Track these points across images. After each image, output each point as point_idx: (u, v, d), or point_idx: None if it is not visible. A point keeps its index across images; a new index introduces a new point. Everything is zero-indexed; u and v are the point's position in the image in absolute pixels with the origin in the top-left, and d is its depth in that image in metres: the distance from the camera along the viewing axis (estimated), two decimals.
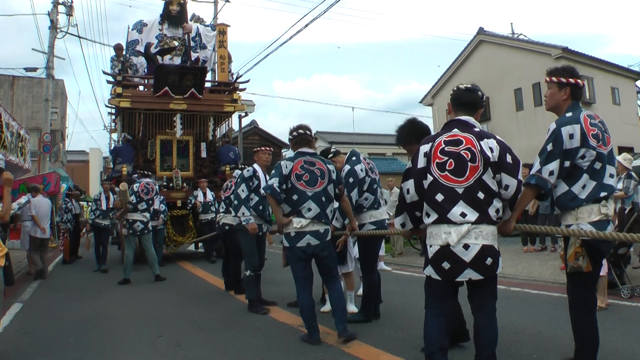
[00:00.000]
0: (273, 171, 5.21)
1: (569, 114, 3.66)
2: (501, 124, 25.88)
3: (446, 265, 3.28)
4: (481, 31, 27.39)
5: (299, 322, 5.77)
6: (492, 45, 27.12)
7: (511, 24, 60.11)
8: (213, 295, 8.38)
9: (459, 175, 3.29)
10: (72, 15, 24.50)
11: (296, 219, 5.05)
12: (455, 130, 3.45)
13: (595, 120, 3.66)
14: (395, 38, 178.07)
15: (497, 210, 3.33)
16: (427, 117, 31.24)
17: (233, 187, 7.31)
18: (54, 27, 23.60)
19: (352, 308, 6.20)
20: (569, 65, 4.07)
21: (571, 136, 3.51)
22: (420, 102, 31.53)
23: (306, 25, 19.45)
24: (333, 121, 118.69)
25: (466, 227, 3.22)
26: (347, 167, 5.90)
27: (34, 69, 25.00)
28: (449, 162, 3.33)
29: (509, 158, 3.37)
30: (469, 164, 3.29)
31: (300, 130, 5.39)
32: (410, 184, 3.51)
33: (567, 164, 3.53)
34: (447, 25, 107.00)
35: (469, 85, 3.65)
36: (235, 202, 6.82)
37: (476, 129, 3.45)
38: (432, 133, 3.73)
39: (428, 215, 3.44)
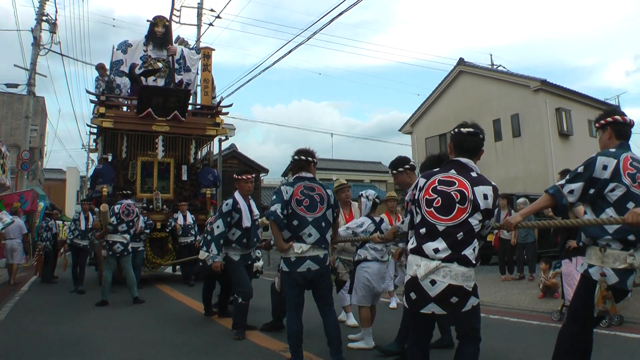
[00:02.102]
0: (274, 197, 5.18)
1: (612, 150, 3.70)
2: None
3: (413, 295, 3.38)
4: (461, 62, 27.83)
5: (281, 347, 5.80)
6: (471, 75, 27.52)
7: (490, 55, 60.58)
8: (193, 319, 8.31)
9: (444, 214, 3.38)
10: (55, 33, 24.54)
11: (297, 244, 5.03)
12: (452, 171, 3.54)
13: (638, 163, 3.64)
14: (375, 65, 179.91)
15: (474, 249, 3.39)
16: (406, 144, 31.54)
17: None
18: (37, 44, 23.60)
19: (352, 321, 6.27)
20: (611, 108, 4.10)
21: (605, 167, 3.56)
22: (400, 130, 31.80)
23: (289, 52, 19.60)
24: (312, 147, 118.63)
25: (435, 263, 3.29)
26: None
27: (15, 85, 24.87)
28: (436, 200, 3.43)
29: (497, 202, 3.51)
30: (457, 205, 3.38)
31: (299, 156, 5.38)
32: (408, 216, 3.67)
33: (592, 191, 3.58)
34: (427, 53, 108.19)
35: (471, 129, 3.67)
36: (208, 237, 6.83)
37: (473, 174, 3.53)
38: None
39: (412, 242, 3.55)
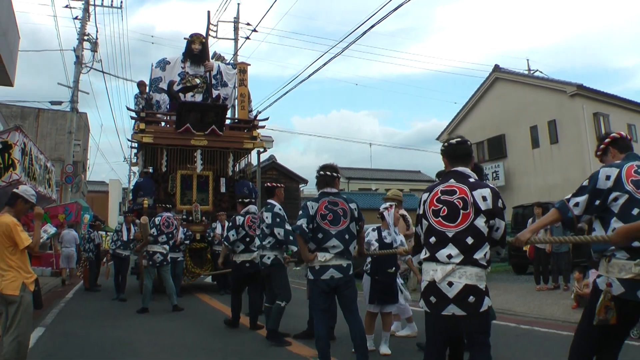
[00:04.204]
0: (300, 212, 5.51)
1: (617, 162, 3.82)
2: (517, 161, 26.03)
3: (432, 299, 3.53)
4: (497, 68, 27.72)
5: (311, 353, 6.04)
6: (507, 82, 27.37)
7: (527, 60, 59.97)
8: (231, 327, 8.45)
9: (451, 221, 3.55)
10: (96, 51, 25.29)
11: (320, 253, 5.35)
12: (452, 180, 3.71)
13: None
14: (412, 73, 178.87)
15: (486, 254, 3.53)
16: None
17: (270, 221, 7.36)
18: (79, 62, 24.32)
19: (384, 349, 6.27)
20: (604, 133, 4.21)
21: (607, 177, 3.66)
22: (437, 138, 31.75)
23: (325, 63, 19.91)
24: (351, 157, 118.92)
25: (451, 266, 3.46)
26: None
27: (59, 103, 25.65)
28: (442, 209, 3.60)
29: (499, 203, 3.62)
30: (461, 211, 3.54)
31: (323, 172, 5.69)
32: (419, 229, 3.81)
33: (597, 202, 3.66)
34: (464, 60, 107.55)
35: (459, 139, 3.90)
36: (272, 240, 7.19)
37: (471, 180, 3.70)
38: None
39: (424, 252, 3.71)
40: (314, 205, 5.48)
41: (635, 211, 3.53)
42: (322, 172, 5.70)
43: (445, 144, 3.95)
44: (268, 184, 7.74)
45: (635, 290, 3.41)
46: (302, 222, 5.36)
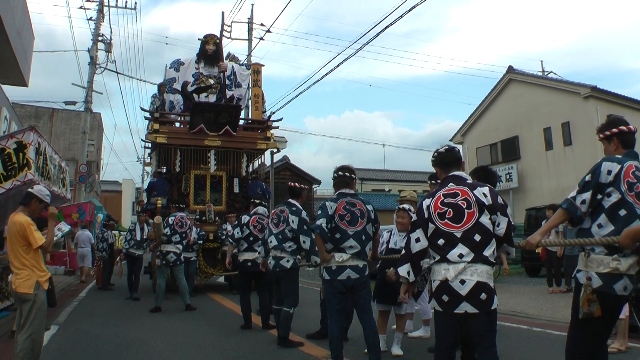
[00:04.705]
0: (319, 212, 5.53)
1: (618, 156, 3.84)
2: (531, 163, 25.89)
3: (445, 298, 3.59)
4: (510, 70, 27.56)
5: (324, 353, 6.09)
6: (521, 83, 27.22)
7: (541, 61, 59.75)
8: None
9: (457, 222, 3.64)
10: (110, 52, 25.48)
11: (338, 254, 5.40)
12: (451, 184, 3.83)
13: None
14: (426, 74, 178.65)
15: (494, 251, 3.63)
16: None
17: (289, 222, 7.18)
18: (93, 63, 24.54)
19: (396, 350, 6.29)
20: (614, 115, 4.19)
21: (609, 172, 3.70)
22: (451, 140, 31.54)
23: (339, 64, 19.93)
24: (364, 157, 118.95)
25: (462, 265, 3.54)
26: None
27: (73, 103, 25.90)
28: (448, 211, 3.69)
29: (499, 200, 3.74)
30: (466, 211, 3.64)
31: (342, 172, 5.75)
32: (419, 233, 3.83)
33: (599, 197, 3.70)
34: (478, 61, 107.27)
35: (447, 146, 4.09)
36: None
37: (468, 181, 3.84)
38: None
39: (432, 257, 3.79)
40: (332, 205, 5.52)
41: (622, 212, 3.64)
42: (340, 173, 5.76)
43: (435, 154, 4.13)
44: (293, 184, 7.65)
45: (611, 284, 3.57)
46: (321, 221, 5.40)
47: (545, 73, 31.69)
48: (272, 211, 7.57)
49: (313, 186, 32.21)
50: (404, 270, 3.93)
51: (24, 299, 5.16)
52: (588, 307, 3.58)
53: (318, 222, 5.42)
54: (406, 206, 6.68)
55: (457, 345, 3.86)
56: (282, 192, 8.43)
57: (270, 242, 7.27)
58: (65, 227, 8.90)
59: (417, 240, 3.83)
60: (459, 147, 30.58)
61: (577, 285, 3.79)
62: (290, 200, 7.42)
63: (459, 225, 3.63)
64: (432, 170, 4.38)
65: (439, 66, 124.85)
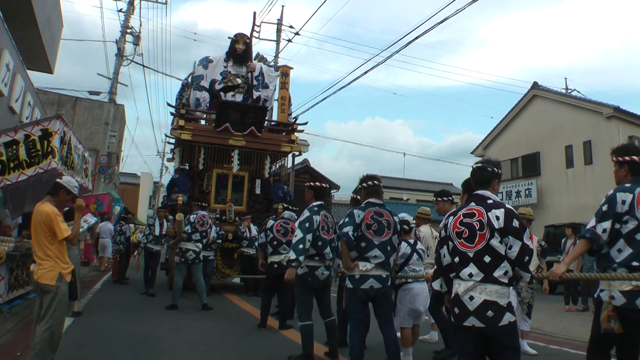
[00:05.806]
0: (347, 219, 5.47)
1: (627, 185, 4.15)
2: (550, 180, 25.76)
3: (456, 310, 3.71)
4: (535, 86, 27.46)
5: None
6: (545, 100, 27.13)
7: (565, 79, 59.86)
8: (258, 328, 8.52)
9: (471, 242, 3.74)
10: (138, 45, 25.51)
11: (362, 262, 5.35)
12: (472, 204, 3.90)
13: None
14: (450, 86, 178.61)
15: (506, 272, 3.66)
16: None
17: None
18: (120, 54, 24.57)
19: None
20: (629, 144, 4.49)
21: (623, 202, 4.03)
22: (472, 152, 31.51)
23: (366, 72, 19.86)
24: (383, 165, 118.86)
25: (472, 282, 3.65)
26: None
27: (98, 93, 25.98)
28: (464, 231, 3.79)
29: (515, 223, 3.71)
30: (478, 232, 3.72)
31: (373, 182, 5.75)
32: (445, 249, 3.95)
33: (617, 226, 4.01)
34: (502, 75, 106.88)
35: (480, 164, 4.09)
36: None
37: (489, 201, 3.84)
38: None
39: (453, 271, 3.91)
40: (360, 214, 5.48)
41: (638, 236, 3.96)
42: (370, 183, 5.76)
43: (472, 167, 4.20)
44: (320, 184, 7.20)
45: (634, 300, 3.87)
46: (348, 229, 5.35)
47: (569, 90, 31.46)
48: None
49: (332, 191, 32.08)
50: (437, 284, 4.20)
51: (46, 290, 5.09)
52: (608, 323, 3.88)
53: (344, 230, 5.38)
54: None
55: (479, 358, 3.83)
56: (301, 194, 8.41)
57: (316, 252, 6.49)
58: (91, 219, 8.81)
59: (444, 256, 3.97)
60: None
61: (597, 303, 4.09)
62: (322, 202, 6.86)
63: (472, 245, 3.73)
64: (450, 181, 4.42)
65: (462, 78, 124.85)
